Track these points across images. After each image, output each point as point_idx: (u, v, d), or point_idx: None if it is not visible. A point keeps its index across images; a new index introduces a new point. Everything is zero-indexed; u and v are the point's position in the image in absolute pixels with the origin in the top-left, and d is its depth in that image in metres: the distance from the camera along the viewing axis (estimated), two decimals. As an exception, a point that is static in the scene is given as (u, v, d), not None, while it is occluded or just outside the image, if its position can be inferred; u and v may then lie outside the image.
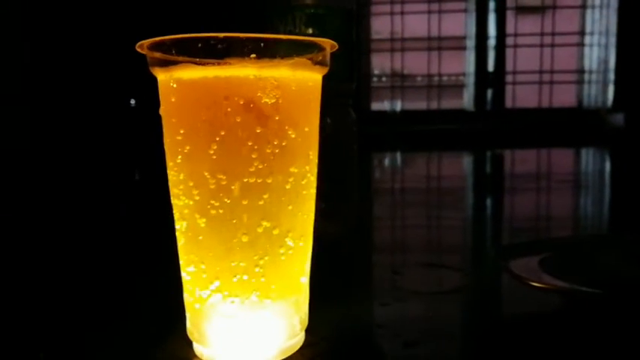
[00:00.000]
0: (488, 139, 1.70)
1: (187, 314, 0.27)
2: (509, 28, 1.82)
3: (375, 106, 1.97)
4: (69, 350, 0.29)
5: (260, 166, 0.24)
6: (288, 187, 0.25)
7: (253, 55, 0.23)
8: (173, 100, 0.24)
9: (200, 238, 0.25)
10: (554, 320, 0.32)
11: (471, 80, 1.87)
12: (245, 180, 0.24)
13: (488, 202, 0.80)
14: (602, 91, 1.83)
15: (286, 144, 0.24)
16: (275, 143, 0.24)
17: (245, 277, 0.25)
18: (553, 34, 1.86)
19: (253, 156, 0.24)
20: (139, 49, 0.25)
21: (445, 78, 1.96)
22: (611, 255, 0.37)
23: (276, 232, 0.25)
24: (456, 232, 0.59)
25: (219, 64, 0.23)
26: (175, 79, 0.24)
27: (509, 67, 1.83)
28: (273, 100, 0.23)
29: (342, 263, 0.45)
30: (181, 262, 0.26)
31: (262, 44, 0.23)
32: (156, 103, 0.26)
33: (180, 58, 0.23)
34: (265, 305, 0.25)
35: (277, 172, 0.24)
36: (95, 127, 0.87)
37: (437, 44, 1.91)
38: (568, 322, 0.31)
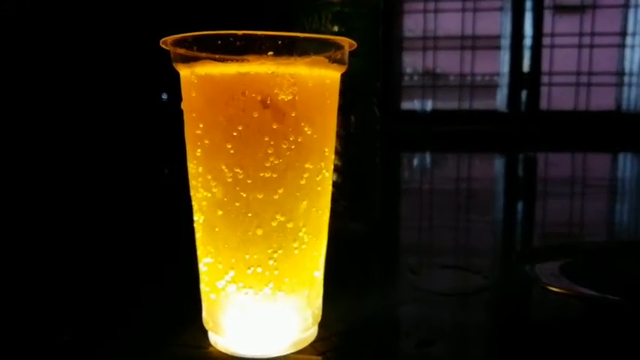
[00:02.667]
0: (521, 141, 1.67)
1: (203, 304, 0.28)
2: (547, 27, 1.77)
3: (406, 105, 1.96)
4: (90, 337, 0.30)
5: (276, 162, 0.24)
6: (302, 182, 0.25)
7: (271, 53, 0.23)
8: (194, 95, 0.25)
9: (216, 230, 0.25)
10: (572, 326, 0.31)
11: (504, 80, 1.83)
12: (261, 174, 0.24)
13: (518, 205, 0.79)
14: (643, 95, 1.77)
15: (302, 140, 0.25)
16: (291, 139, 0.24)
17: (259, 269, 0.25)
18: (592, 34, 1.81)
19: (269, 151, 0.24)
20: (163, 45, 0.26)
21: (478, 78, 1.93)
22: (632, 262, 0.36)
23: (290, 226, 0.25)
24: (481, 235, 0.58)
25: (237, 60, 0.23)
26: (196, 75, 0.24)
27: (545, 67, 1.79)
28: (289, 97, 0.24)
29: (360, 260, 0.45)
30: (198, 253, 0.27)
31: (280, 42, 0.23)
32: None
33: (201, 55, 0.24)
34: (278, 298, 0.26)
35: (292, 168, 0.25)
36: (126, 120, 0.89)
37: (470, 43, 1.88)
38: (585, 329, 0.31)
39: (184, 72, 0.25)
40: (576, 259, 0.38)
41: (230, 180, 0.24)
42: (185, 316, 0.31)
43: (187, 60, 0.25)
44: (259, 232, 0.25)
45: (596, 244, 0.46)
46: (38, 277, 0.40)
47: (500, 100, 1.86)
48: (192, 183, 0.26)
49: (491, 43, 1.90)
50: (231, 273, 0.25)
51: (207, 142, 0.25)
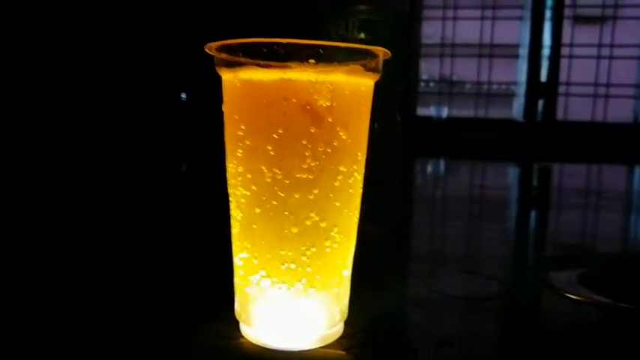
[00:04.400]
0: (537, 150, 1.67)
1: (236, 297, 0.29)
2: (566, 37, 1.77)
3: (422, 111, 1.96)
4: (123, 329, 0.32)
5: (312, 164, 0.26)
6: (336, 184, 0.26)
7: (312, 61, 0.24)
8: (236, 98, 0.26)
9: (254, 227, 0.27)
10: (589, 333, 0.32)
11: (521, 90, 1.84)
12: (298, 175, 0.26)
13: (532, 214, 0.79)
14: (661, 107, 1.77)
15: (337, 144, 0.26)
16: (327, 143, 0.26)
17: (292, 265, 0.26)
18: (612, 45, 1.80)
19: (306, 154, 0.25)
20: (207, 50, 0.27)
21: (495, 86, 1.93)
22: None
23: (323, 225, 0.26)
24: (494, 243, 0.59)
25: (280, 67, 0.25)
26: (240, 79, 0.26)
27: (562, 77, 1.79)
28: (327, 103, 0.25)
29: (379, 263, 0.46)
30: (234, 248, 0.29)
31: (320, 50, 0.25)
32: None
33: (246, 60, 0.25)
34: (309, 294, 0.27)
35: (327, 170, 0.26)
36: (146, 119, 0.91)
37: (488, 51, 1.89)
38: (601, 336, 0.32)
39: (227, 76, 0.27)
40: (593, 269, 0.38)
41: (269, 180, 0.26)
42: (216, 307, 0.32)
43: (231, 65, 0.26)
44: (294, 230, 0.26)
45: (612, 255, 0.46)
46: (72, 272, 0.42)
47: (516, 109, 1.86)
48: (232, 181, 0.28)
49: (509, 51, 1.90)
50: (266, 268, 0.27)
51: (248, 143, 0.26)
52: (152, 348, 0.30)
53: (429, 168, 1.42)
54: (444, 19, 1.89)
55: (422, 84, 1.99)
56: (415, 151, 1.55)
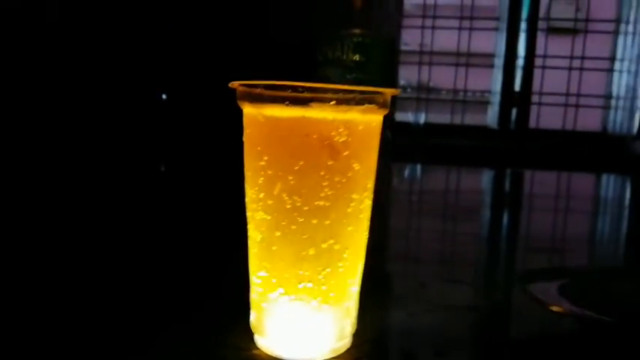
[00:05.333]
0: (510, 157, 1.72)
1: (253, 311, 0.32)
2: (539, 49, 1.84)
3: (399, 116, 2.00)
4: (136, 339, 0.34)
5: (329, 192, 0.28)
6: (349, 210, 0.29)
7: (333, 102, 0.27)
8: (260, 131, 0.29)
9: (274, 248, 0.29)
10: (570, 345, 0.36)
11: (496, 98, 1.90)
12: (316, 203, 0.28)
13: (504, 220, 0.83)
14: (628, 118, 1.85)
15: (351, 175, 0.29)
16: (342, 174, 0.28)
17: (309, 284, 0.29)
18: (583, 57, 1.88)
19: (324, 184, 0.28)
20: (231, 86, 0.30)
21: (470, 94, 1.99)
22: (627, 285, 0.41)
23: (337, 247, 0.29)
24: (471, 248, 0.63)
25: (303, 106, 0.27)
26: (264, 115, 0.28)
27: (535, 87, 1.86)
28: (344, 138, 0.28)
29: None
30: (252, 266, 0.31)
31: (340, 93, 0.27)
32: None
33: (271, 98, 0.28)
34: (323, 309, 0.30)
35: (342, 198, 0.29)
36: (124, 119, 0.91)
37: (465, 60, 1.94)
38: (582, 348, 0.35)
39: (250, 111, 0.29)
40: (573, 281, 0.42)
41: (289, 206, 0.28)
42: (230, 319, 0.35)
43: (256, 101, 0.29)
44: (312, 252, 0.29)
45: (592, 268, 0.50)
46: (69, 280, 0.43)
47: (491, 116, 1.92)
48: (252, 206, 0.30)
49: (485, 61, 1.96)
50: (285, 287, 0.29)
51: (270, 172, 0.29)
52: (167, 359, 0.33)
53: (406, 173, 1.46)
54: (422, 27, 1.94)
55: (400, 90, 2.02)
56: (393, 155, 1.58)
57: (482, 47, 1.94)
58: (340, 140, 0.28)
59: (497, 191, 1.22)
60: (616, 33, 1.89)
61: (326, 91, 0.27)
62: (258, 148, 0.29)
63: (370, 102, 0.28)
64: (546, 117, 1.89)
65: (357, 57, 0.56)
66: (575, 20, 1.91)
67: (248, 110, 0.30)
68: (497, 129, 1.88)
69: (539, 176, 1.49)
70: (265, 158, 0.29)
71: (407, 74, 2.02)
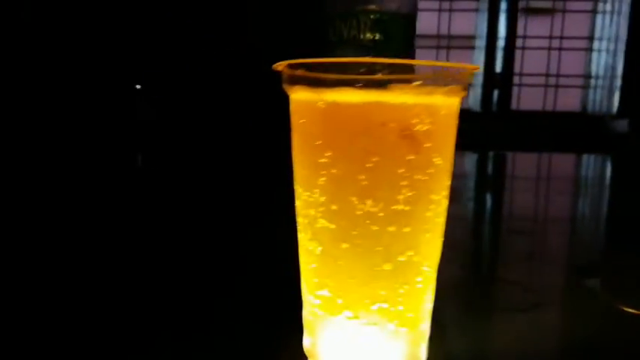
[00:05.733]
0: (493, 139, 1.71)
1: (308, 336, 0.26)
2: (519, 29, 1.82)
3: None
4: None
5: (408, 194, 0.23)
6: (429, 214, 0.24)
7: (418, 83, 0.22)
8: (320, 121, 0.24)
9: (339, 263, 0.24)
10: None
11: (478, 80, 1.87)
12: (393, 207, 0.23)
13: (487, 201, 0.81)
14: (607, 98, 1.85)
15: (433, 171, 0.24)
16: (423, 171, 0.23)
17: (385, 305, 0.24)
18: (562, 37, 1.87)
19: (403, 183, 0.23)
20: (278, 68, 0.24)
21: (451, 77, 1.96)
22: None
23: (416, 259, 0.24)
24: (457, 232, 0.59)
25: (380, 90, 0.22)
26: (326, 102, 0.23)
27: (516, 68, 1.84)
28: (426, 127, 0.23)
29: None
30: (309, 284, 0.26)
31: (421, 71, 0.22)
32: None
33: (338, 80, 0.22)
34: (401, 334, 0.25)
35: (422, 200, 0.24)
36: (98, 110, 0.84)
37: (446, 42, 1.91)
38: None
39: (306, 96, 0.24)
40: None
41: (360, 212, 0.23)
42: (278, 339, 0.30)
43: (315, 84, 0.23)
44: (388, 266, 0.24)
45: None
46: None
47: (473, 98, 1.89)
48: (310, 212, 0.25)
49: (466, 43, 1.93)
50: (353, 308, 0.24)
51: (334, 171, 0.23)
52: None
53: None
54: (402, 10, 1.89)
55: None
56: None
57: (463, 29, 1.91)
58: (422, 129, 0.23)
59: (480, 172, 1.19)
60: (594, 12, 1.88)
61: (408, 68, 0.22)
62: (318, 142, 0.24)
63: (456, 82, 0.23)
64: (527, 98, 1.88)
65: (375, 35, 0.50)
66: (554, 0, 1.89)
67: (302, 96, 0.24)
68: (480, 111, 1.86)
69: (521, 157, 1.48)
70: (328, 154, 0.23)
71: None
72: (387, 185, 0.23)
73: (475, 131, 1.74)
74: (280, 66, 0.24)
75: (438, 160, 0.24)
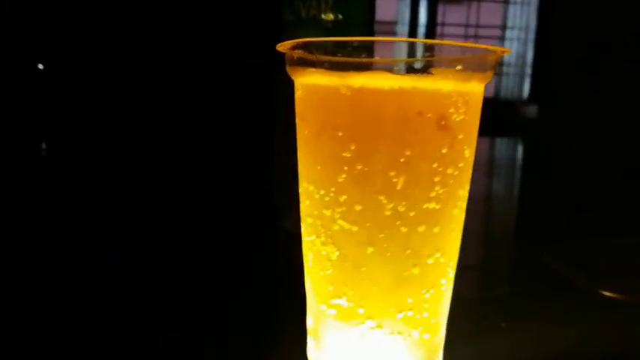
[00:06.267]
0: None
1: (321, 349, 0.24)
2: (438, 17, 1.87)
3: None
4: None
5: (440, 191, 0.21)
6: (455, 212, 0.22)
7: (459, 67, 0.20)
8: (343, 110, 0.21)
9: (363, 269, 0.21)
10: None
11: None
12: (425, 206, 0.21)
13: None
14: (518, 84, 1.96)
15: (462, 165, 0.22)
16: (455, 165, 0.21)
17: (411, 312, 0.22)
18: (477, 26, 1.95)
19: (436, 179, 0.21)
20: (283, 49, 0.21)
21: (374, 62, 1.97)
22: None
23: (443, 260, 0.22)
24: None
25: (417, 75, 0.19)
26: (351, 88, 0.20)
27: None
28: (461, 117, 0.21)
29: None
30: (321, 293, 0.23)
31: (462, 52, 0.20)
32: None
33: (368, 62, 0.19)
34: (424, 342, 0.23)
35: (451, 197, 0.22)
36: None
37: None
38: None
39: (325, 81, 0.21)
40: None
41: (389, 213, 0.21)
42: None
43: (339, 68, 0.20)
44: (416, 270, 0.21)
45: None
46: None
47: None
48: (325, 213, 0.22)
49: (388, 29, 1.95)
50: (376, 317, 0.22)
51: (360, 167, 0.21)
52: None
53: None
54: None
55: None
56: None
57: (386, 15, 1.93)
58: (458, 119, 0.21)
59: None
60: (506, 2, 1.97)
61: (451, 50, 0.20)
62: (340, 134, 0.21)
63: (491, 67, 0.21)
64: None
65: (336, 16, 0.48)
66: (470, -11, 1.96)
67: (318, 80, 0.21)
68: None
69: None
70: (352, 147, 0.21)
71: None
72: (420, 182, 0.21)
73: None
74: (285, 46, 0.21)
75: (467, 153, 0.22)
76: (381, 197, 0.21)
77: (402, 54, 0.21)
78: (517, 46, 1.96)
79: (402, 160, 0.20)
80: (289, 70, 0.22)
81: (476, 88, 0.21)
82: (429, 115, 0.20)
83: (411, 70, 0.19)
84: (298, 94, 0.22)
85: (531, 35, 1.88)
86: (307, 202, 0.23)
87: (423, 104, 0.20)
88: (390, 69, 0.19)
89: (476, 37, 1.95)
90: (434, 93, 0.20)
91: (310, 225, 0.23)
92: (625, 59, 1.48)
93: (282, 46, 0.21)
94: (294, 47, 0.21)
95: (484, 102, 0.22)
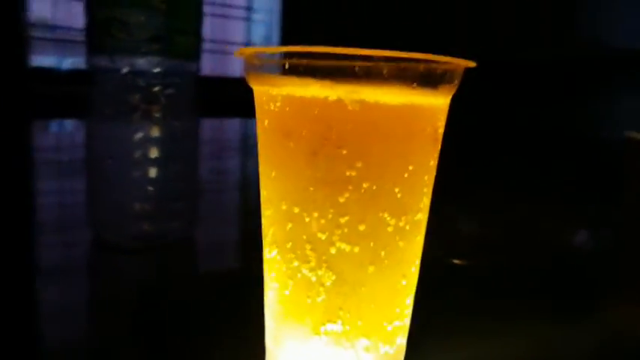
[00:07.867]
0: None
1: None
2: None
3: (37, 61, 1.65)
4: None
5: (426, 202, 0.22)
6: (426, 217, 0.23)
7: (456, 82, 0.20)
8: (346, 126, 0.19)
9: (362, 290, 0.21)
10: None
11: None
12: (416, 218, 0.21)
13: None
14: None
15: (434, 174, 0.23)
16: (433, 175, 0.22)
17: (398, 322, 0.22)
18: (224, 5, 1.97)
19: (424, 190, 0.21)
20: (240, 56, 0.18)
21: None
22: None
23: (417, 269, 0.23)
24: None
25: (430, 88, 0.19)
26: (356, 101, 0.19)
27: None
28: (442, 128, 0.22)
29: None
30: (309, 321, 0.21)
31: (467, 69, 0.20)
32: None
33: (377, 71, 0.18)
34: (400, 349, 0.23)
35: (428, 204, 0.22)
36: None
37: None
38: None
39: (324, 93, 0.19)
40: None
41: (391, 229, 0.20)
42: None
43: (339, 75, 0.18)
44: (404, 280, 0.22)
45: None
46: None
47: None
48: (319, 236, 0.20)
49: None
50: (371, 335, 0.21)
51: (366, 185, 0.19)
52: None
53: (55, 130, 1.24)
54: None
55: (32, 29, 1.66)
56: (36, 110, 1.32)
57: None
58: (441, 131, 0.21)
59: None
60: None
61: (455, 65, 0.20)
62: (344, 152, 0.19)
63: (458, 77, 0.22)
64: (205, 64, 1.91)
65: (160, 3, 0.42)
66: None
67: (304, 92, 0.19)
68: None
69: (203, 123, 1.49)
70: (358, 165, 0.19)
71: (39, 8, 1.67)
72: (416, 195, 0.21)
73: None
74: (243, 53, 0.18)
75: (432, 162, 0.23)
76: (385, 214, 0.20)
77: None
78: (263, 28, 2.05)
79: (405, 175, 0.20)
80: (252, 79, 0.19)
81: (448, 99, 0.22)
82: (428, 130, 0.20)
83: (423, 83, 0.19)
84: (279, 106, 0.20)
85: (276, 18, 1.99)
86: (289, 225, 0.21)
87: (427, 119, 0.20)
88: (398, 81, 0.19)
89: (224, 17, 1.97)
90: (428, 107, 0.20)
91: (290, 251, 0.21)
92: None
93: (241, 53, 0.18)
94: (286, 55, 0.18)
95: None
